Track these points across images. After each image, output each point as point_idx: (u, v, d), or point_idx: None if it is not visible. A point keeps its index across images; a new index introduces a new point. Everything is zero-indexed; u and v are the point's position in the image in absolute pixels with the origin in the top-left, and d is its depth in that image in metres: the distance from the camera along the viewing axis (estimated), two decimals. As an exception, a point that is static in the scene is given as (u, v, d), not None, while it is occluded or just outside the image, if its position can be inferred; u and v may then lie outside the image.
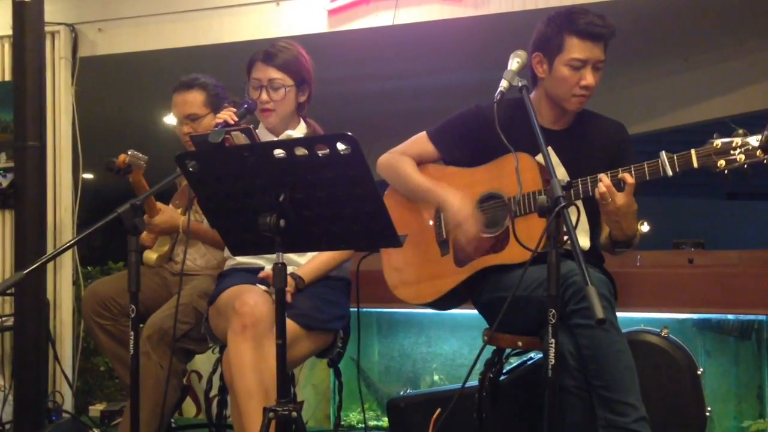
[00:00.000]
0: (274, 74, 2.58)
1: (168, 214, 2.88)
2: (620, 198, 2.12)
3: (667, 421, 2.46)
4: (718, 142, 2.05)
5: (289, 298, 2.36)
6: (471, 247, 2.39)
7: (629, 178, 2.12)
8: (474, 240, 2.38)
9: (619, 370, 2.08)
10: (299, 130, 2.69)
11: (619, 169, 2.15)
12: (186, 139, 2.93)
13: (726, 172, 2.05)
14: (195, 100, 2.93)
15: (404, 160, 2.56)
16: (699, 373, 2.57)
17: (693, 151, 2.07)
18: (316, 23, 4.03)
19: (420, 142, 2.58)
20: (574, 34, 2.30)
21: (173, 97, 2.98)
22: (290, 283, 2.44)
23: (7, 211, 4.09)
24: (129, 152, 2.69)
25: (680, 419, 2.52)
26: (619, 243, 2.31)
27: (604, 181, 2.13)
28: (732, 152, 2.03)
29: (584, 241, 2.42)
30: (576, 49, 2.30)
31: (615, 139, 2.47)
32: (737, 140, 2.04)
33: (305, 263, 2.57)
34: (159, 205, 2.87)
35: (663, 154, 2.10)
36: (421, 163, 2.58)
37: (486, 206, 2.42)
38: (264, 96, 2.58)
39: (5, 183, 3.98)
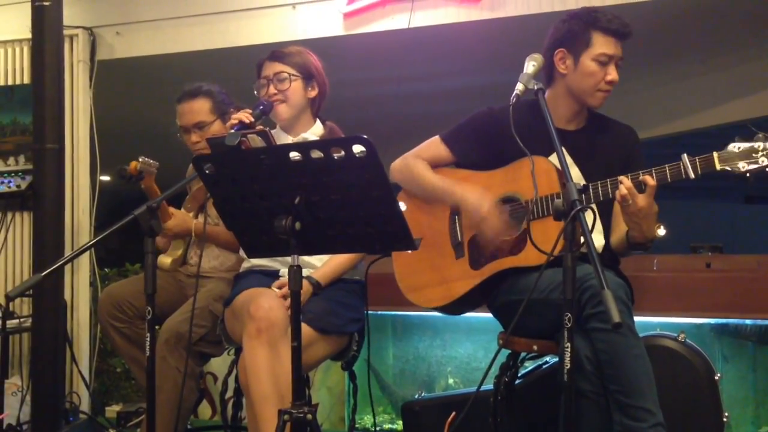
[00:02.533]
0: (279, 68, 2.63)
1: (180, 218, 2.90)
2: (642, 200, 2.12)
3: (684, 426, 2.44)
4: (740, 145, 2.06)
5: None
6: (498, 241, 2.38)
7: (651, 180, 2.11)
8: (500, 233, 2.37)
9: (636, 375, 2.07)
10: (315, 131, 2.70)
11: (640, 172, 2.14)
12: (194, 148, 2.94)
13: (748, 175, 2.05)
14: (202, 108, 2.93)
15: (418, 162, 2.57)
16: (716, 378, 2.55)
17: (715, 154, 2.08)
18: (332, 26, 4.04)
19: (433, 145, 2.58)
20: (601, 30, 2.35)
21: (177, 107, 2.97)
22: (307, 289, 2.45)
23: (25, 213, 4.13)
24: (140, 159, 2.70)
25: (697, 425, 2.50)
26: (636, 245, 2.30)
27: (625, 183, 2.13)
28: (754, 155, 2.04)
29: (599, 240, 2.41)
30: (603, 44, 2.35)
31: (629, 142, 2.49)
32: (759, 144, 2.05)
33: (321, 266, 2.57)
34: (171, 209, 2.88)
35: (684, 156, 2.10)
36: (434, 167, 2.57)
37: (503, 209, 2.42)
38: (271, 89, 2.62)
39: (24, 185, 4.01)
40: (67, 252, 3.77)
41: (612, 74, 2.36)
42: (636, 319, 2.18)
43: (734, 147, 2.06)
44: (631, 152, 2.45)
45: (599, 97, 2.39)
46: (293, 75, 2.62)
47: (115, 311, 2.86)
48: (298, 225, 1.83)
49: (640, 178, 2.13)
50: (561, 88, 2.44)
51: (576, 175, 2.37)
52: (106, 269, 4.84)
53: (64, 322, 3.76)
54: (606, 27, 2.34)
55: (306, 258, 2.56)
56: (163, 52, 4.31)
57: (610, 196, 2.20)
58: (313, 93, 2.68)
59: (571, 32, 2.39)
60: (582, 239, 1.76)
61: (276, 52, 2.67)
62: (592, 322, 2.09)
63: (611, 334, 2.05)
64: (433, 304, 2.55)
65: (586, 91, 2.39)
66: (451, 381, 3.85)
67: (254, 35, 4.15)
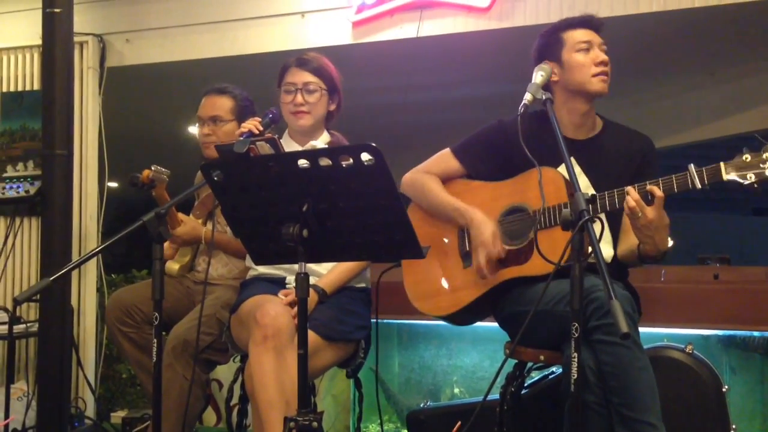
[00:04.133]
0: (309, 78, 2.63)
1: (190, 225, 2.91)
2: (650, 212, 2.11)
3: (691, 438, 2.43)
4: (748, 155, 2.06)
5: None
6: (490, 267, 2.39)
7: (657, 191, 2.10)
8: (495, 260, 2.37)
9: (640, 389, 2.05)
10: (322, 141, 2.71)
11: (646, 182, 2.14)
12: (203, 140, 2.98)
13: (756, 185, 2.05)
14: (224, 104, 2.98)
15: (430, 178, 2.58)
16: (724, 390, 2.54)
17: (722, 164, 2.08)
18: (341, 35, 4.06)
19: (444, 158, 2.59)
20: (568, 27, 2.44)
21: (203, 98, 3.02)
22: (313, 298, 2.45)
23: (33, 218, 4.15)
24: (152, 167, 2.72)
25: (704, 437, 2.49)
26: (649, 258, 2.28)
27: (633, 195, 2.11)
28: (762, 165, 2.04)
29: (608, 251, 2.40)
30: (576, 36, 2.42)
31: (640, 151, 2.47)
32: (767, 154, 2.04)
33: (326, 274, 2.57)
34: (180, 216, 2.89)
35: (691, 166, 2.10)
36: (446, 179, 2.59)
37: (510, 219, 2.42)
38: (299, 98, 2.61)
39: (33, 190, 4.03)
40: (75, 257, 3.78)
41: (599, 56, 2.39)
42: (643, 330, 2.17)
43: (742, 157, 2.06)
44: (642, 162, 2.44)
45: (598, 81, 2.39)
46: (323, 89, 2.63)
47: (123, 316, 2.86)
48: (305, 232, 1.83)
49: (647, 188, 2.12)
50: (560, 96, 2.45)
51: (584, 184, 2.36)
52: (112, 275, 4.85)
53: (70, 327, 3.77)
54: (570, 23, 2.44)
55: (312, 266, 2.56)
56: (172, 59, 4.34)
57: (617, 206, 2.19)
58: (332, 107, 2.70)
59: (544, 44, 2.47)
60: (590, 249, 1.76)
61: (304, 59, 2.65)
62: (596, 333, 2.08)
63: (616, 347, 2.04)
64: (440, 313, 2.54)
65: (583, 82, 2.39)
66: (456, 390, 3.84)
67: (263, 43, 4.18)
